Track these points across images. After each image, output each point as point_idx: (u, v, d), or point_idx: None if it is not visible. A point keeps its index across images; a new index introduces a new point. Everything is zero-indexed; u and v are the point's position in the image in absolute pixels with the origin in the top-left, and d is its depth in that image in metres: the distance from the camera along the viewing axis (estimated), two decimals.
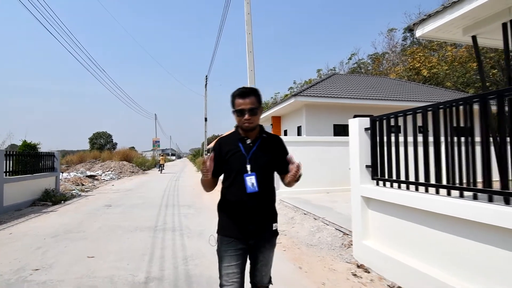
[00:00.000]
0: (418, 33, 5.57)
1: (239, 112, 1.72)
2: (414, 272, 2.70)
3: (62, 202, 8.73)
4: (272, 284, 1.90)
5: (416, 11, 38.98)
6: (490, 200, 2.23)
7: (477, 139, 2.34)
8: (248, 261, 1.83)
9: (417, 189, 2.90)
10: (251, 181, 1.69)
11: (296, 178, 1.67)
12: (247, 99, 1.71)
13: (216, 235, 1.83)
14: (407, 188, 3.02)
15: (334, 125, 12.59)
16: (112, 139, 58.40)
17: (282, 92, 43.61)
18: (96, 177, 16.36)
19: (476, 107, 2.41)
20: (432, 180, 2.72)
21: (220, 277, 1.72)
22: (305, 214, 5.69)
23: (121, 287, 2.99)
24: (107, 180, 16.37)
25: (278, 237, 1.68)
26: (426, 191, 2.79)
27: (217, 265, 1.76)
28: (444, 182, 2.62)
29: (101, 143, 55.73)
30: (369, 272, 3.25)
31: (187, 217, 6.38)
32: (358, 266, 3.39)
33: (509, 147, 2.18)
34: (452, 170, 2.52)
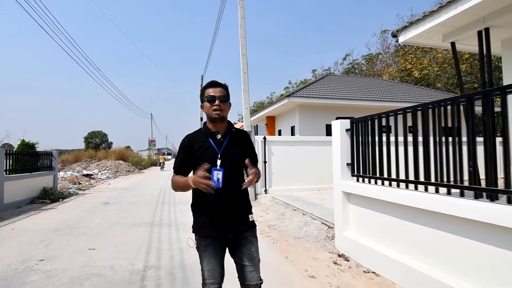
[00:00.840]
0: (401, 39, 5.91)
1: (209, 100, 1.73)
2: (386, 258, 3.02)
3: (60, 200, 8.94)
4: (262, 282, 1.81)
5: (408, 13, 39.65)
6: (449, 193, 2.55)
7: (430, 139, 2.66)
8: (234, 265, 1.81)
9: (390, 185, 3.22)
10: (217, 176, 1.67)
11: (255, 181, 1.68)
12: (218, 88, 1.76)
13: (193, 236, 1.84)
14: (382, 184, 3.34)
15: (327, 125, 12.91)
16: (107, 138, 58.24)
17: (278, 92, 44.01)
18: (92, 176, 16.52)
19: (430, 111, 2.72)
20: (402, 176, 3.04)
21: (202, 273, 1.77)
22: (294, 210, 6.00)
23: (122, 274, 3.26)
24: (103, 179, 16.54)
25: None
26: (398, 186, 3.11)
27: None
28: (413, 178, 2.94)
29: (96, 142, 55.54)
30: (348, 261, 3.56)
31: (182, 213, 6.65)
32: (339, 256, 3.71)
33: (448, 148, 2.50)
34: (416, 167, 2.84)
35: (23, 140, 9.60)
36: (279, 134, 15.68)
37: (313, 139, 9.23)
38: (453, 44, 5.69)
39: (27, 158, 8.92)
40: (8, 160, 7.85)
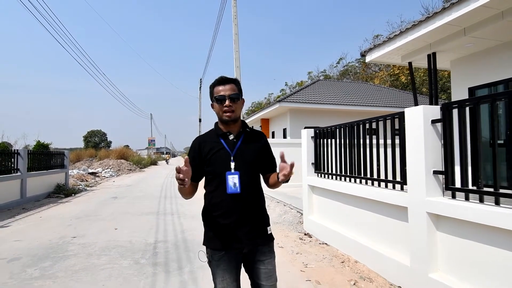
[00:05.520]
0: (368, 58, 7.02)
1: (219, 100, 1.56)
2: (334, 233, 4.11)
3: (73, 195, 10.00)
4: None
5: (398, 20, 41.22)
6: (373, 184, 3.63)
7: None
8: (248, 280, 1.64)
9: (340, 179, 4.30)
10: (233, 180, 1.51)
11: (287, 178, 1.46)
12: (228, 86, 1.57)
13: (204, 249, 1.64)
14: (336, 178, 4.42)
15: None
16: (106, 137, 59.18)
17: (276, 93, 45.07)
18: (97, 174, 17.55)
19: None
20: (349, 173, 4.13)
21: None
22: (278, 202, 7.10)
23: (138, 246, 4.34)
24: (107, 177, 17.56)
25: None
26: (345, 179, 4.19)
27: None
28: (358, 174, 4.02)
29: (96, 141, 56.48)
30: (311, 237, 4.65)
31: (183, 205, 7.73)
32: (305, 234, 4.80)
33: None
34: (352, 165, 3.93)
35: (39, 141, 10.63)
36: (273, 136, 16.76)
37: (298, 141, 10.30)
38: (410, 63, 6.84)
39: (43, 157, 9.96)
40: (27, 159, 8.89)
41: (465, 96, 6.32)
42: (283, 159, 1.45)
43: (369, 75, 32.25)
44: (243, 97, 1.66)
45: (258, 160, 1.64)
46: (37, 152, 9.66)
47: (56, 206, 7.87)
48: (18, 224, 5.86)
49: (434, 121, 2.59)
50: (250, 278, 1.62)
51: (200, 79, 26.71)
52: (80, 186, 12.05)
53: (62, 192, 9.92)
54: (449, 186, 2.47)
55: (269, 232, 1.63)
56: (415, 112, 2.67)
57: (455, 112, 2.45)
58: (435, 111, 2.62)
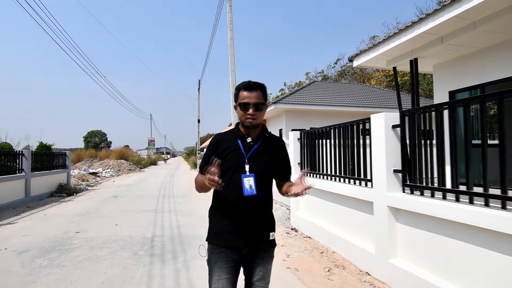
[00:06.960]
0: (355, 63, 7.39)
1: (242, 106, 1.58)
2: (316, 227, 4.48)
3: (75, 194, 10.36)
4: None
5: (394, 21, 41.64)
6: (349, 182, 4.00)
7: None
8: (243, 277, 1.67)
9: (322, 177, 4.67)
10: (249, 183, 1.54)
11: (297, 196, 1.52)
12: (254, 93, 1.59)
13: (206, 244, 1.68)
14: (318, 177, 4.79)
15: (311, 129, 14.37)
16: (106, 138, 59.50)
17: (275, 93, 45.46)
18: (97, 174, 17.92)
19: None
20: (332, 172, 4.49)
21: None
22: None
23: (137, 240, 4.71)
24: (107, 177, 17.94)
25: None
26: (330, 178, 4.56)
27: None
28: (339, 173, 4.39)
29: (96, 142, 56.82)
30: (297, 231, 5.02)
31: (180, 204, 8.10)
32: (292, 229, 5.17)
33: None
34: (329, 164, 4.30)
35: (41, 142, 10.98)
36: None
37: None
38: (394, 68, 7.21)
39: (45, 158, 10.32)
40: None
41: (446, 99, 6.69)
42: (301, 178, 1.50)
43: (366, 75, 32.61)
44: (267, 102, 1.68)
45: (272, 166, 1.67)
46: (40, 153, 10.03)
47: (59, 205, 8.24)
48: (24, 221, 6.23)
49: (394, 126, 2.96)
50: (244, 275, 1.68)
51: (199, 81, 27.10)
52: (81, 186, 12.42)
53: (64, 191, 10.29)
54: (405, 183, 2.83)
55: (271, 238, 1.65)
56: (379, 118, 3.04)
57: (410, 118, 2.82)
58: (396, 117, 2.98)
